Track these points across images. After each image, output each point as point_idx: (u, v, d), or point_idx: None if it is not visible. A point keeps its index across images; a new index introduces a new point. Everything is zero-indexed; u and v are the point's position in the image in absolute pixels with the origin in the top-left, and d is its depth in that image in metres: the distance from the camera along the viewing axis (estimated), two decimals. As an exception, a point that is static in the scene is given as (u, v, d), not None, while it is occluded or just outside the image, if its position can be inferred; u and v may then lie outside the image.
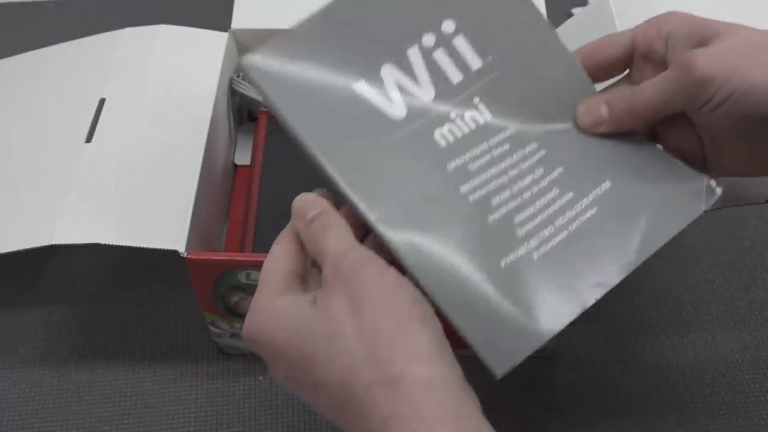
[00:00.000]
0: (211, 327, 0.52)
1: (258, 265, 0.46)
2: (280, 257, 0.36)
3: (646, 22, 0.40)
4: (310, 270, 0.37)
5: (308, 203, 0.36)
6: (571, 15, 0.78)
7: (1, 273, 0.60)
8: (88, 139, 0.51)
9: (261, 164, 0.55)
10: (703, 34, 0.37)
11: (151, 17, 0.76)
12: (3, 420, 0.52)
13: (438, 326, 0.33)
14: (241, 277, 0.47)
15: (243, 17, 0.60)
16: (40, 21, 0.81)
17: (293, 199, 0.53)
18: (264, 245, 0.50)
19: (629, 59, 0.40)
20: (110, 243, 0.45)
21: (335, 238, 0.34)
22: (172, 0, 0.82)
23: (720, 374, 0.55)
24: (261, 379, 0.54)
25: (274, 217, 0.52)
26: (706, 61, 0.35)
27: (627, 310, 0.59)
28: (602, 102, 0.39)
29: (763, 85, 0.34)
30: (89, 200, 0.47)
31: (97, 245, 0.45)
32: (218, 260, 0.46)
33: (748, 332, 0.58)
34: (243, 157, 0.61)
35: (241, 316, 0.50)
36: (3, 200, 0.50)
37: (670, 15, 0.39)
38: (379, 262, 0.33)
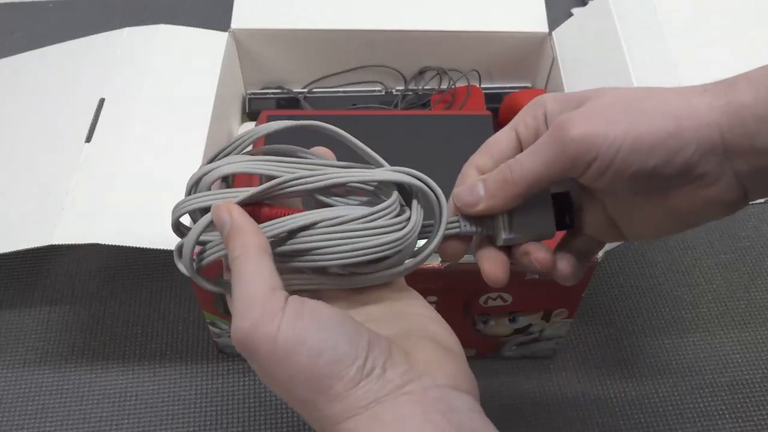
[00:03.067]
0: (211, 327, 0.52)
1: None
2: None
3: (522, 111, 0.37)
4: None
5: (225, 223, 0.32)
6: (571, 15, 0.78)
7: (1, 273, 0.60)
8: (88, 139, 0.51)
9: (261, 164, 0.55)
10: (577, 101, 0.34)
11: (151, 17, 0.76)
12: (3, 420, 0.52)
13: (370, 349, 0.30)
14: (241, 277, 0.46)
15: (243, 17, 0.60)
16: (40, 21, 0.81)
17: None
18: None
19: (520, 151, 0.36)
20: (110, 243, 0.45)
21: (243, 291, 0.31)
22: (172, 0, 0.82)
23: (720, 374, 0.55)
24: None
25: (274, 217, 0.52)
26: (579, 118, 0.32)
27: (627, 310, 0.59)
28: (478, 181, 0.36)
29: (649, 133, 0.31)
30: (89, 200, 0.47)
31: (97, 245, 0.45)
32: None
33: (748, 332, 0.58)
34: (243, 157, 0.61)
35: (241, 316, 0.50)
36: (3, 200, 0.50)
37: (541, 97, 0.36)
38: (270, 326, 0.30)
